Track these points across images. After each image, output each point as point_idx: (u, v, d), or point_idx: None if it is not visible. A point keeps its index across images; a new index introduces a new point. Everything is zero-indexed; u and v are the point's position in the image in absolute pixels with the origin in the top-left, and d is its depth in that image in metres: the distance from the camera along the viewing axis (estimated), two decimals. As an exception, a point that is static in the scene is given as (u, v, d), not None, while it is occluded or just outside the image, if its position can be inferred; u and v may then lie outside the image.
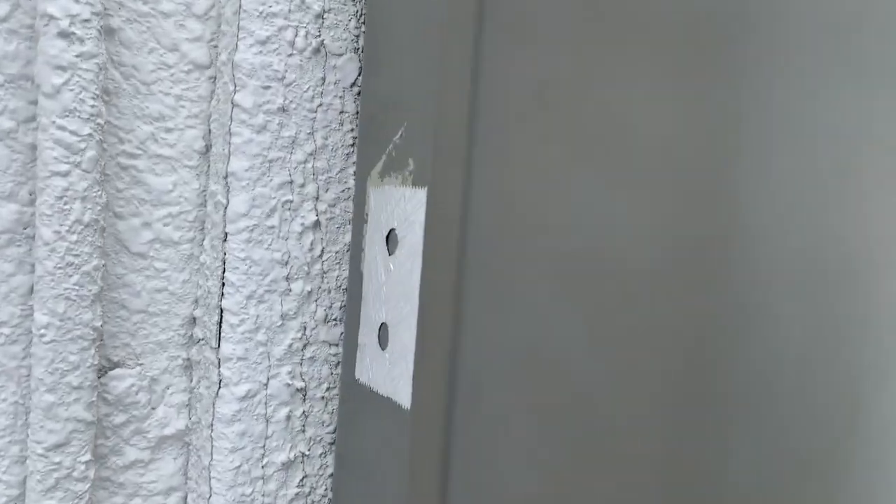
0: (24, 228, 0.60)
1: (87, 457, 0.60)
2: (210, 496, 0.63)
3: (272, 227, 0.63)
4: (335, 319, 0.67)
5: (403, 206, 0.54)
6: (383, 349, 0.56)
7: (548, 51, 0.49)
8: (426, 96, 0.52)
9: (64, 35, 0.56)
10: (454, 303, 0.48)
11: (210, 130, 0.66)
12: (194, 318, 0.67)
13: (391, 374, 0.54)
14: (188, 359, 0.67)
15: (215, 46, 0.66)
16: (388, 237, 0.56)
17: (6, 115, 0.58)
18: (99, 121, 0.58)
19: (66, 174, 0.57)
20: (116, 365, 0.64)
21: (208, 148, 0.66)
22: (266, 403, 0.64)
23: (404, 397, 0.52)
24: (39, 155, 0.57)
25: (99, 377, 0.62)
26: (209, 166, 0.66)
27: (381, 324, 0.56)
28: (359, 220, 0.62)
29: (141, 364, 0.65)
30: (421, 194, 0.52)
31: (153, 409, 0.66)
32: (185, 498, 0.68)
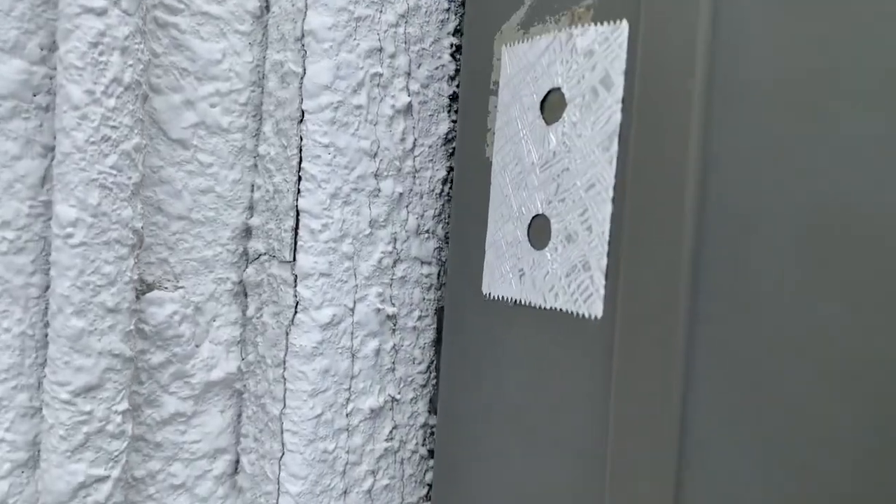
0: (35, 95, 0.44)
1: (125, 405, 0.45)
2: (282, 455, 0.49)
3: (359, 106, 0.49)
4: (427, 232, 0.53)
5: (576, 55, 0.40)
6: (539, 248, 0.42)
7: None
8: None
9: None
10: (697, 175, 0.35)
11: (268, -15, 0.51)
12: (249, 229, 0.52)
13: (560, 276, 0.41)
14: (240, 282, 0.52)
15: None
16: (543, 102, 0.43)
17: (8, -64, 0.42)
18: (142, -52, 0.42)
19: (102, 13, 0.41)
20: (151, 287, 0.48)
21: (265, 10, 0.51)
22: (352, 334, 0.50)
23: (592, 306, 0.39)
24: (63, -12, 0.41)
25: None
26: (266, 34, 0.51)
27: (535, 216, 0.43)
28: (476, 94, 0.48)
29: (182, 287, 0.50)
30: (617, 32, 0.38)
31: (197, 346, 0.51)
32: (237, 462, 0.53)
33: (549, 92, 0.42)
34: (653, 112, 0.36)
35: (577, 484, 0.40)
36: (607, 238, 0.39)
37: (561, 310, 0.41)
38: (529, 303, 0.43)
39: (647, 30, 0.37)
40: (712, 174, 0.34)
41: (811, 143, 0.32)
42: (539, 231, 0.43)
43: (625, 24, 0.38)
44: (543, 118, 0.43)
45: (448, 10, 0.53)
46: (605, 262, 0.39)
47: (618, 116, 0.38)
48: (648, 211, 0.36)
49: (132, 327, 0.45)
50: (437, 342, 0.54)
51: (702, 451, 0.35)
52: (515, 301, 0.44)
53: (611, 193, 0.38)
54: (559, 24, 0.42)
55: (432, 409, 0.55)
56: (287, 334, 0.48)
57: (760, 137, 0.33)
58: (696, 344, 0.35)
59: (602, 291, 0.39)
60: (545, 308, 0.42)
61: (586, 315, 0.40)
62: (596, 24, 0.40)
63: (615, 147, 0.38)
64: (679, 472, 0.35)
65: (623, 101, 0.38)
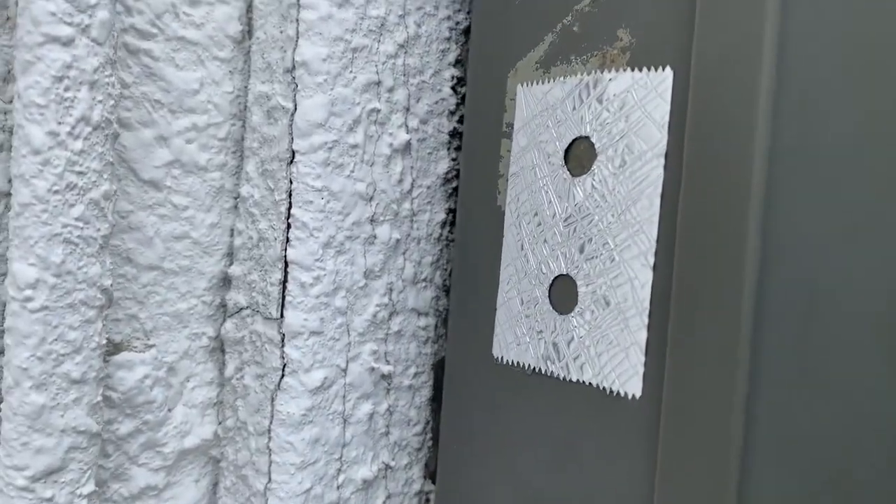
0: (-14, 133, 0.38)
1: (90, 486, 0.39)
2: (267, 534, 0.43)
3: (355, 146, 0.44)
4: (425, 280, 0.49)
5: (607, 103, 0.36)
6: (564, 313, 0.38)
7: None
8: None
9: None
10: (757, 250, 0.31)
11: (251, 7, 0.46)
12: (227, 278, 0.47)
13: (589, 346, 0.37)
14: (217, 337, 0.47)
15: None
16: (567, 151, 0.39)
17: (-43, -49, 0.36)
18: (113, -32, 0.37)
19: (68, 43, 0.36)
20: (120, 348, 0.43)
21: (245, 35, 0.46)
22: (345, 397, 0.45)
23: (629, 382, 0.35)
24: (24, 9, 0.35)
25: (102, 365, 0.41)
26: (248, 61, 0.46)
27: (557, 277, 0.39)
28: (485, 135, 0.44)
29: (152, 346, 0.44)
30: (659, 79, 0.34)
31: (170, 410, 0.45)
32: (212, 537, 0.48)
33: (574, 140, 0.38)
34: (705, 173, 0.32)
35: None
36: (647, 309, 0.35)
37: (590, 384, 0.37)
38: (551, 373, 0.39)
39: (698, 79, 0.33)
40: (773, 247, 0.31)
41: (888, 219, 0.28)
42: (563, 293, 0.39)
43: (668, 73, 0.34)
44: (568, 168, 0.39)
45: (449, 38, 0.48)
46: (644, 335, 0.35)
47: (660, 172, 0.34)
48: (701, 284, 0.32)
49: (99, 398, 0.39)
50: (433, 399, 0.50)
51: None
52: (533, 369, 0.40)
53: (652, 259, 0.34)
54: (587, 65, 0.38)
55: (427, 475, 0.50)
56: (272, 400, 0.43)
57: (830, 210, 0.30)
58: (754, 436, 0.31)
59: (641, 369, 0.35)
60: (569, 380, 0.38)
61: (622, 393, 0.36)
62: (633, 70, 0.36)
63: (657, 206, 0.34)
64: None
65: (667, 156, 0.34)
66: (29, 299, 0.36)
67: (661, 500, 0.34)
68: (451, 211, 0.50)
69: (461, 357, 0.45)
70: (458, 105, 0.49)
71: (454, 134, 0.49)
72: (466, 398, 0.45)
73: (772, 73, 0.31)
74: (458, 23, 0.49)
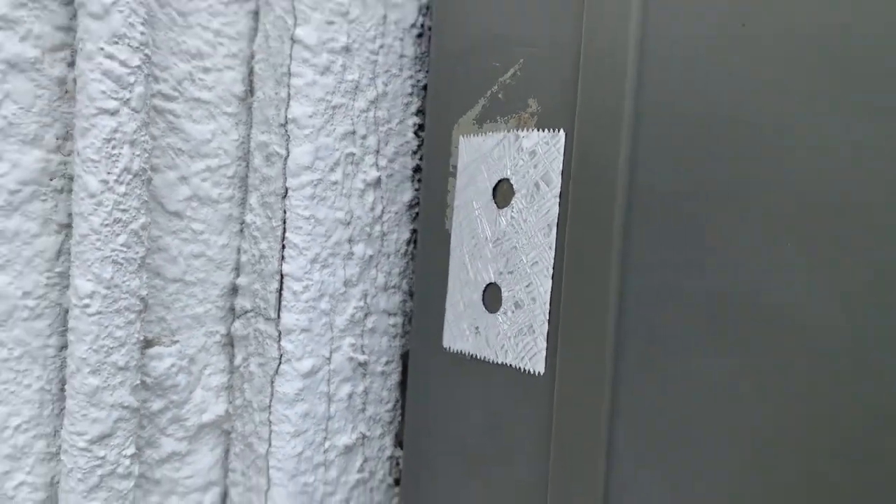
0: (51, 180, 0.50)
1: (132, 449, 0.51)
2: (268, 488, 0.55)
3: (335, 182, 0.56)
4: (394, 287, 0.61)
5: (522, 154, 0.48)
6: (492, 311, 0.50)
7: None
8: (558, 26, 0.46)
9: (112, -53, 0.47)
10: (618, 264, 0.43)
11: (252, 72, 0.58)
12: (235, 287, 0.59)
13: (509, 336, 0.49)
14: (227, 334, 0.59)
15: (255, -23, 0.57)
16: (495, 189, 0.51)
17: (30, 42, 0.48)
18: (147, 51, 0.49)
19: (114, 112, 0.48)
20: (152, 343, 0.55)
21: (248, 94, 0.58)
22: (329, 380, 0.57)
23: (535, 362, 0.47)
24: (82, 89, 0.47)
25: (140, 356, 0.53)
26: (250, 114, 0.58)
27: (488, 285, 0.51)
28: (436, 173, 0.56)
29: (177, 342, 0.56)
30: (556, 139, 0.46)
31: (191, 392, 0.57)
32: (225, 494, 0.60)
33: (499, 181, 0.50)
34: (583, 208, 0.44)
35: (525, 502, 0.48)
36: (548, 308, 0.47)
37: (510, 365, 0.49)
38: (484, 357, 0.51)
39: (578, 140, 0.45)
40: (631, 261, 0.42)
41: (720, 241, 0.40)
42: (492, 297, 0.51)
43: (562, 134, 0.46)
44: (495, 202, 0.51)
45: (411, 94, 0.60)
46: (546, 327, 0.47)
47: (556, 209, 0.46)
48: (580, 289, 0.44)
49: (138, 381, 0.51)
50: (402, 383, 0.62)
51: (624, 490, 0.43)
52: (471, 355, 0.52)
53: (551, 271, 0.46)
54: (508, 124, 0.50)
55: (398, 443, 0.62)
56: (272, 382, 0.55)
57: (673, 236, 0.41)
58: (619, 401, 0.43)
59: (544, 352, 0.47)
60: (496, 363, 0.50)
61: (531, 371, 0.48)
62: (539, 130, 0.48)
63: (554, 233, 0.46)
64: (606, 497, 0.43)
65: (560, 196, 0.46)
66: (87, 306, 0.48)
67: (555, 450, 0.45)
68: (415, 231, 0.62)
69: (422, 348, 0.57)
70: (419, 146, 0.61)
71: (417, 169, 0.61)
72: (425, 381, 0.57)
73: (628, 143, 0.42)
74: (418, 80, 0.61)
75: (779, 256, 0.37)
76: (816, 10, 0.36)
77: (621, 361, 0.43)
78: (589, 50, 0.44)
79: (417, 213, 0.61)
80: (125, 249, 0.49)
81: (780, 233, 0.37)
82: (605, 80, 0.43)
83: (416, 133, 0.61)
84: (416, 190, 0.61)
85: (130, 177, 0.49)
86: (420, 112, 0.61)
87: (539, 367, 0.47)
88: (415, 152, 0.61)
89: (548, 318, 0.47)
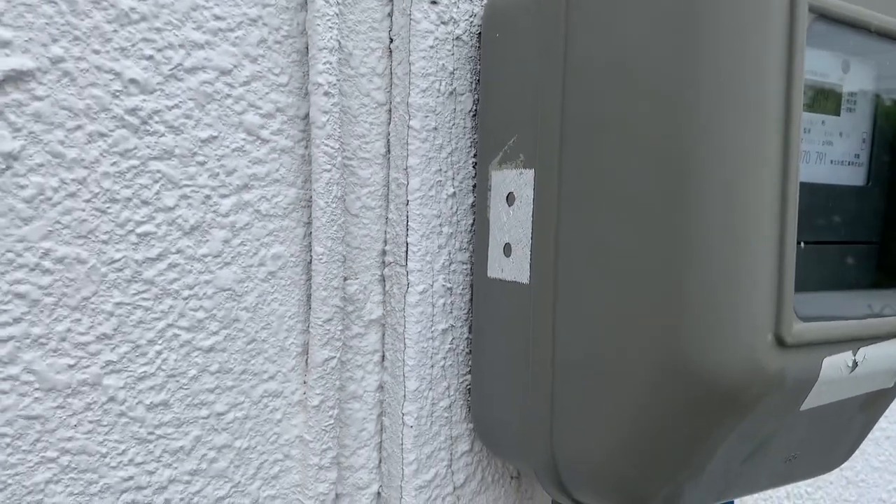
0: (301, 202, 1.08)
1: (340, 328, 1.09)
2: (405, 350, 1.12)
3: (432, 196, 1.11)
4: (464, 248, 1.16)
5: (518, 179, 1.02)
6: (507, 256, 1.05)
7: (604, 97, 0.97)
8: (529, 120, 1.00)
9: (326, 94, 1.04)
10: (554, 230, 0.96)
11: (388, 142, 1.14)
12: (384, 251, 1.15)
13: (514, 267, 1.03)
14: (381, 275, 1.16)
15: (388, 92, 1.14)
16: (507, 197, 1.05)
17: (289, 139, 1.06)
18: (342, 140, 1.06)
19: (329, 170, 1.05)
20: (347, 278, 1.12)
21: (387, 152, 1.14)
22: (433, 296, 1.13)
23: (524, 279, 1.01)
24: (314, 161, 1.04)
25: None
26: (388, 163, 1.15)
27: (506, 244, 1.05)
28: (483, 190, 1.11)
29: (358, 278, 1.14)
30: (530, 173, 1.00)
31: (365, 304, 1.14)
32: (383, 355, 1.17)
33: (509, 192, 1.05)
34: (539, 209, 0.98)
35: (521, 346, 1.03)
36: (529, 253, 1.01)
37: (515, 280, 1.03)
38: (504, 279, 1.05)
39: (537, 174, 0.98)
40: (560, 235, 0.96)
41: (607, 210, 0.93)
42: (507, 250, 1.05)
43: (532, 170, 1.00)
44: (507, 203, 1.05)
45: (470, 147, 1.15)
46: (528, 260, 1.01)
47: (531, 207, 1.00)
48: (540, 246, 0.98)
49: (342, 295, 1.08)
50: (471, 299, 1.17)
51: (562, 327, 0.96)
52: (500, 279, 1.07)
53: (530, 234, 1.00)
54: (511, 165, 1.04)
55: (470, 331, 1.18)
56: (405, 297, 1.11)
57: (576, 217, 0.94)
58: (559, 290, 0.96)
59: (528, 272, 1.01)
60: (510, 281, 1.04)
61: (523, 282, 1.02)
62: (524, 169, 1.02)
63: (530, 217, 1.00)
64: (553, 338, 0.97)
65: (532, 202, 1.00)
66: (321, 258, 1.05)
67: (532, 328, 1.00)
68: (474, 219, 1.16)
69: (478, 278, 1.12)
70: (475, 175, 1.16)
71: (474, 188, 1.16)
72: (480, 295, 1.12)
73: (557, 180, 0.96)
74: (474, 139, 1.15)
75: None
76: None
77: (558, 278, 0.96)
78: (540, 132, 0.98)
79: (475, 209, 1.16)
80: (336, 233, 1.06)
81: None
82: (544, 148, 0.97)
83: (473, 167, 1.16)
84: (475, 197, 1.16)
85: (337, 199, 1.06)
86: (476, 156, 1.16)
87: (525, 280, 1.01)
88: (473, 178, 1.16)
89: (530, 258, 1.01)
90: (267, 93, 1.02)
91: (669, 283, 0.82)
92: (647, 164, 0.83)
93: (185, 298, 0.97)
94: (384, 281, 1.14)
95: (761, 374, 0.77)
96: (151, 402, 0.95)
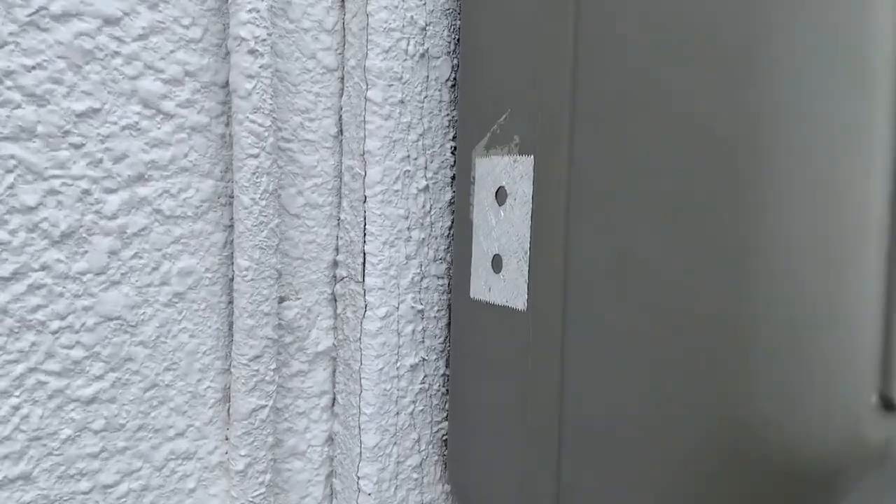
0: (219, 198, 0.81)
1: (274, 366, 0.82)
2: (360, 392, 0.85)
3: (397, 190, 0.84)
4: (440, 259, 0.89)
5: (511, 169, 0.76)
6: (497, 272, 0.78)
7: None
8: (527, 91, 0.73)
9: (252, 52, 0.76)
10: (562, 238, 0.70)
11: (341, 119, 0.87)
12: (336, 262, 0.88)
13: (506, 287, 0.76)
14: (332, 294, 0.89)
15: (340, 54, 0.86)
16: (496, 193, 0.78)
17: (203, 113, 0.79)
18: (275, 115, 0.79)
19: (256, 156, 0.77)
20: (284, 299, 0.85)
21: (339, 133, 0.87)
22: (398, 321, 0.86)
23: (520, 303, 0.75)
24: (236, 142, 0.77)
25: (277, 307, 0.83)
26: (341, 147, 0.87)
27: (494, 255, 0.78)
28: (464, 182, 0.84)
29: (300, 298, 0.86)
30: (527, 162, 0.73)
31: (309, 332, 0.87)
32: (334, 398, 0.90)
33: (499, 188, 0.78)
34: (541, 210, 0.71)
35: (514, 392, 0.76)
36: (527, 268, 0.74)
37: (507, 305, 0.77)
38: (493, 302, 0.79)
39: (538, 161, 0.72)
40: (570, 245, 0.69)
41: (619, 222, 0.66)
42: (497, 263, 0.78)
43: (531, 158, 0.73)
44: (497, 201, 0.78)
45: (448, 126, 0.88)
46: (526, 280, 0.74)
47: (530, 205, 0.73)
48: (541, 258, 0.71)
49: (277, 322, 0.81)
50: (449, 324, 0.90)
51: (572, 388, 0.70)
52: (486, 302, 0.80)
53: (528, 245, 0.74)
54: (503, 150, 0.77)
55: (448, 367, 0.91)
56: (361, 323, 0.85)
57: (592, 220, 0.68)
58: (567, 324, 0.70)
59: (525, 297, 0.74)
60: (499, 305, 0.78)
61: (518, 308, 0.75)
62: (520, 155, 0.75)
63: (529, 221, 0.73)
64: (561, 385, 0.70)
65: (532, 200, 0.73)
66: (245, 275, 0.78)
67: (531, 362, 0.73)
68: (453, 221, 0.90)
69: (458, 299, 0.85)
70: (454, 163, 0.89)
71: (454, 178, 0.89)
72: (460, 320, 0.85)
73: (567, 168, 0.69)
74: (453, 117, 0.89)
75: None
76: None
77: (568, 304, 0.70)
78: (543, 106, 0.71)
79: (454, 209, 0.89)
80: (266, 240, 0.79)
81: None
82: (550, 125, 0.70)
83: (452, 153, 0.89)
84: (454, 192, 0.89)
85: (268, 195, 0.79)
86: (455, 138, 0.89)
87: (522, 305, 0.75)
88: (451, 166, 0.89)
89: (527, 276, 0.74)
90: (172, 51, 0.75)
91: (732, 317, 0.56)
92: (698, 150, 0.57)
93: (55, 332, 0.70)
94: (335, 302, 0.87)
95: (861, 446, 0.55)
96: (5, 477, 0.68)
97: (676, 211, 0.59)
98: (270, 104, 0.78)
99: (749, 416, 0.55)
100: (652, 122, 0.60)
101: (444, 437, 0.90)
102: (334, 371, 0.90)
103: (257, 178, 0.78)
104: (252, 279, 0.79)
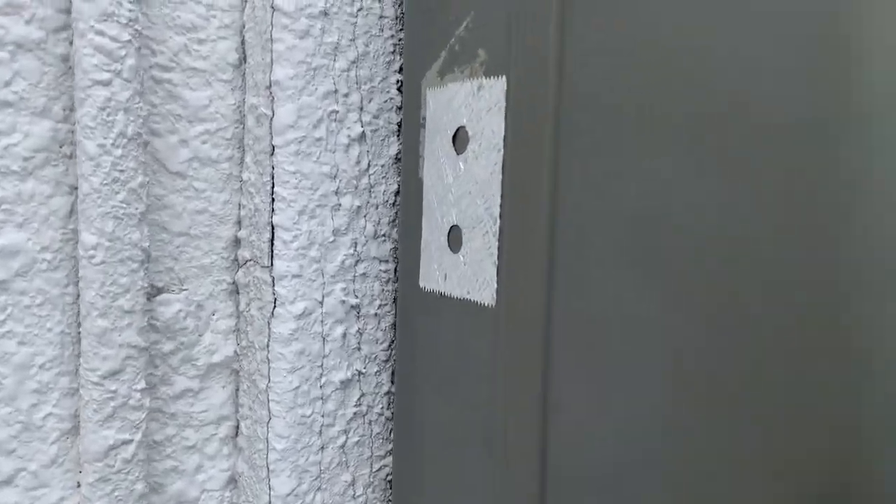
0: (61, 146, 0.56)
1: (142, 384, 0.57)
2: (269, 420, 0.61)
3: (319, 138, 0.60)
4: (384, 235, 0.65)
5: (474, 100, 0.52)
6: (455, 251, 0.54)
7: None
8: (498, -18, 0.49)
9: (97, -67, 0.52)
10: (548, 199, 0.46)
11: (244, 41, 0.63)
12: (238, 240, 0.64)
13: (466, 273, 0.53)
14: (233, 283, 0.65)
15: (243, -48, 0.62)
16: (454, 136, 0.54)
17: (34, 24, 0.54)
18: (137, 26, 0.54)
19: (107, 83, 0.53)
20: (161, 290, 0.61)
21: (242, 61, 0.63)
22: (322, 321, 0.62)
23: (486, 296, 0.51)
24: (77, 64, 0.53)
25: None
26: (244, 80, 0.63)
27: (452, 227, 0.54)
28: (412, 126, 0.60)
29: (185, 289, 0.62)
30: (497, 85, 0.49)
31: (200, 335, 0.63)
32: (238, 426, 0.66)
33: (458, 129, 0.54)
34: (518, 158, 0.47)
35: (481, 419, 0.52)
36: (497, 246, 0.50)
37: (469, 299, 0.53)
38: (450, 294, 0.55)
39: (513, 84, 0.48)
40: (560, 205, 0.45)
41: (635, 176, 0.42)
42: (455, 239, 0.54)
43: (503, 79, 0.49)
44: (455, 149, 0.54)
45: (393, 52, 0.64)
46: (495, 265, 0.50)
47: (501, 152, 0.49)
48: (519, 229, 0.47)
49: (145, 324, 0.57)
50: (396, 325, 0.66)
51: (557, 409, 0.46)
52: (441, 293, 0.56)
53: (498, 211, 0.50)
54: (463, 74, 0.53)
55: (392, 380, 0.67)
56: (269, 324, 0.61)
57: (593, 168, 0.44)
58: (554, 324, 0.46)
59: (494, 286, 0.50)
60: (459, 298, 0.54)
61: (485, 304, 0.51)
62: (486, 77, 0.51)
63: (499, 176, 0.50)
64: (544, 412, 0.47)
65: (503, 143, 0.49)
66: (92, 256, 0.54)
67: (502, 372, 0.49)
68: (399, 183, 0.65)
69: (405, 289, 0.61)
70: (403, 103, 0.65)
71: (401, 124, 0.65)
72: (408, 318, 0.61)
73: (556, 91, 0.45)
74: (400, 40, 0.64)
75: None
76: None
77: (553, 292, 0.46)
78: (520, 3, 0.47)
79: (400, 166, 0.65)
80: (125, 206, 0.55)
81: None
82: (532, 28, 0.46)
83: (399, 90, 0.65)
84: (401, 144, 0.65)
85: (126, 140, 0.54)
86: (401, 70, 0.65)
87: (491, 300, 0.51)
88: (399, 108, 0.65)
89: (497, 255, 0.50)
90: (-21, -72, 0.51)
91: (813, 320, 0.33)
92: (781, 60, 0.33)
93: None
94: (237, 294, 0.63)
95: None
96: None
97: (730, 153, 0.36)
98: (131, 10, 0.54)
99: (846, 473, 0.33)
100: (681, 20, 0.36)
101: (387, 478, 0.67)
102: (237, 389, 0.66)
103: (109, 115, 0.53)
104: (103, 262, 0.54)
